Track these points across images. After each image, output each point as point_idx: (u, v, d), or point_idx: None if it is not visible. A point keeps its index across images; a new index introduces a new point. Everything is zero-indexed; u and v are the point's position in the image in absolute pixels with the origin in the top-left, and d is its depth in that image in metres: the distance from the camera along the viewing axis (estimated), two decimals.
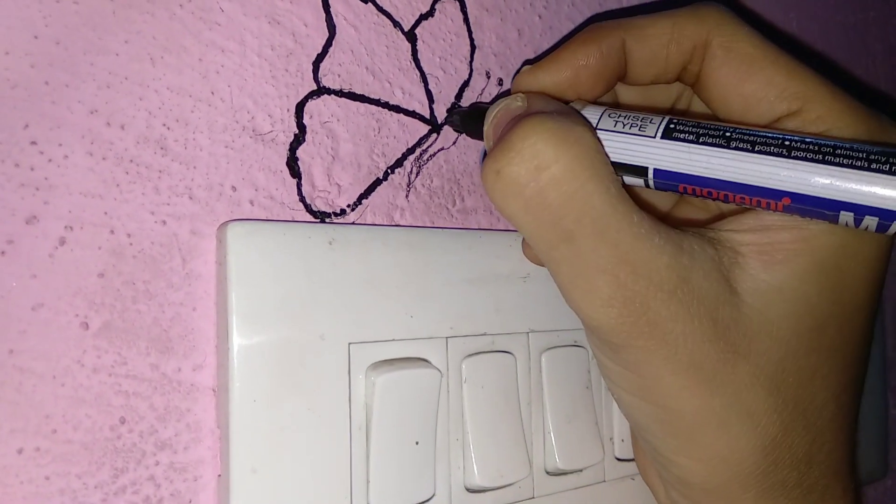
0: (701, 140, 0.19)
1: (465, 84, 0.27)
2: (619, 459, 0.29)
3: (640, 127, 0.20)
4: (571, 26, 0.31)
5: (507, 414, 0.25)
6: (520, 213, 0.19)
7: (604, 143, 0.21)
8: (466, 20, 0.27)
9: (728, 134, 0.19)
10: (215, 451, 0.21)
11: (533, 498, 0.26)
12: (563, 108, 0.21)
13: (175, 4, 0.21)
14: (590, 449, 0.27)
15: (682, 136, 0.20)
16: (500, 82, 0.28)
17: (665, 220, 0.25)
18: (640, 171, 0.20)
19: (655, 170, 0.20)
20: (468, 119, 0.26)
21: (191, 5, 0.21)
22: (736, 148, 0.19)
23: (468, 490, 0.24)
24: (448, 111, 0.27)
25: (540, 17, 0.30)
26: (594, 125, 0.21)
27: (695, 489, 0.22)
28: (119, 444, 0.19)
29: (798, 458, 0.21)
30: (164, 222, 0.21)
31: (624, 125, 0.20)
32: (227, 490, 0.20)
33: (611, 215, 0.19)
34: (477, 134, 0.26)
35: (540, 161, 0.18)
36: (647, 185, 0.21)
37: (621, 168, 0.21)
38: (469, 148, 0.27)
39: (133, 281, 0.20)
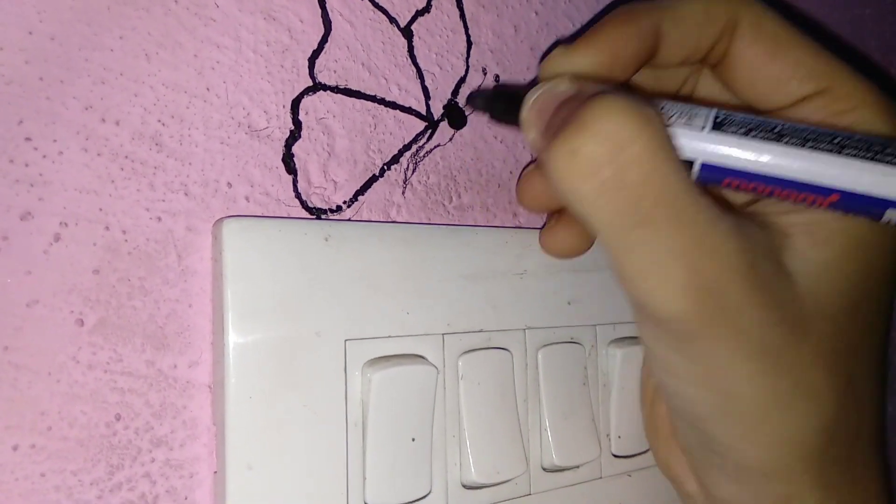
0: (752, 134, 0.19)
1: (462, 80, 0.27)
2: (615, 456, 0.29)
3: (688, 118, 0.20)
4: (568, 23, 0.31)
5: (504, 411, 0.25)
6: (593, 195, 0.18)
7: None
8: (463, 16, 0.27)
9: (777, 129, 0.19)
10: (211, 447, 0.21)
11: (529, 494, 0.26)
12: (621, 90, 0.20)
13: (170, 0, 0.21)
14: (586, 445, 0.27)
15: (732, 129, 0.19)
16: (497, 78, 0.28)
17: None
18: (686, 164, 0.20)
19: (703, 164, 0.19)
20: (493, 101, 0.25)
21: (186, 1, 0.21)
22: (787, 143, 0.19)
23: (464, 487, 0.24)
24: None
25: (536, 13, 0.30)
26: None
27: (753, 474, 0.22)
28: (115, 440, 0.19)
29: (850, 434, 0.21)
30: (160, 219, 0.21)
31: (669, 115, 0.20)
32: (223, 487, 0.20)
33: (686, 198, 0.18)
34: (505, 117, 0.24)
35: (620, 140, 0.18)
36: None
37: None
38: (465, 145, 0.27)
39: (128, 277, 0.20)
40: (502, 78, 0.28)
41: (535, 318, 0.27)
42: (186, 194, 0.21)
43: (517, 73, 0.29)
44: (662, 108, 0.20)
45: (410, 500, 0.23)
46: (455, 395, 0.24)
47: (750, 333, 0.19)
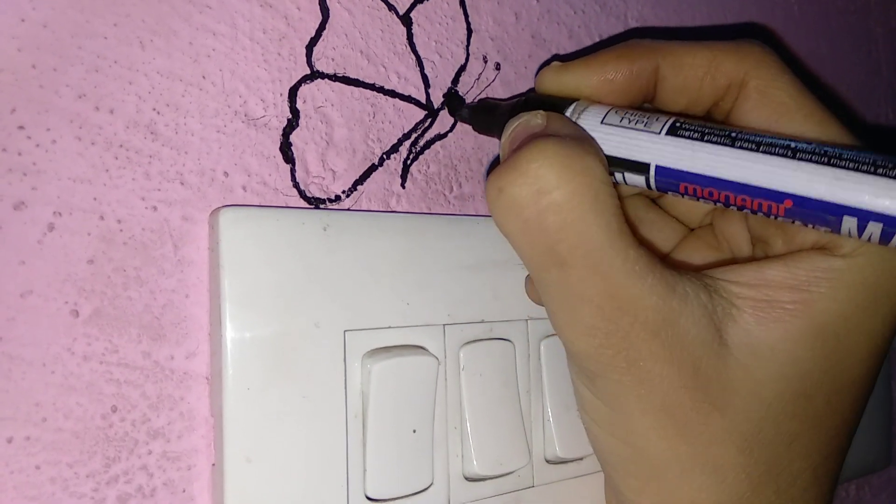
0: (705, 138, 0.19)
1: (462, 68, 0.27)
2: None
3: (646, 123, 0.20)
4: (570, 10, 0.30)
5: (506, 402, 0.25)
6: (517, 233, 0.19)
7: (608, 137, 0.20)
8: (463, 3, 0.27)
9: (733, 134, 0.19)
10: (209, 439, 0.21)
11: (532, 486, 0.26)
12: (580, 135, 0.20)
13: None
14: None
15: (686, 133, 0.19)
16: (498, 66, 0.28)
17: (666, 260, 0.25)
18: (643, 168, 0.20)
19: (657, 167, 0.20)
20: (477, 114, 0.26)
21: None
22: (740, 147, 0.18)
23: (467, 479, 0.24)
24: (445, 95, 0.26)
25: (537, 0, 0.29)
26: (600, 120, 0.21)
27: None
28: (111, 432, 0.19)
29: None
30: (155, 208, 0.20)
31: (630, 121, 0.20)
32: (221, 479, 0.20)
33: (606, 249, 0.18)
34: (486, 130, 0.26)
35: (542, 185, 0.18)
36: (648, 186, 0.20)
37: (623, 164, 0.20)
38: (466, 134, 0.27)
39: (124, 267, 0.20)
40: (503, 66, 0.28)
41: (537, 309, 0.26)
42: (182, 183, 0.21)
43: (518, 61, 0.29)
44: (625, 113, 0.21)
45: (412, 492, 0.22)
46: (456, 387, 0.24)
47: (653, 389, 0.19)
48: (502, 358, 0.25)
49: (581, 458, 0.27)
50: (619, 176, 0.21)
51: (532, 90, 0.24)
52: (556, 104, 0.22)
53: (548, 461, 0.26)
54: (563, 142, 0.19)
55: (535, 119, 0.21)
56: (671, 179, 0.20)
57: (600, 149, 0.20)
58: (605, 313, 0.19)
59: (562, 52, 0.30)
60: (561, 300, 0.19)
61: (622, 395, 0.20)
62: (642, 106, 0.24)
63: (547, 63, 0.24)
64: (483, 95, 0.27)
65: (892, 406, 0.45)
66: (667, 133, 0.20)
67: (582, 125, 0.21)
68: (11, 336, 0.18)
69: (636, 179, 0.20)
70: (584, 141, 0.20)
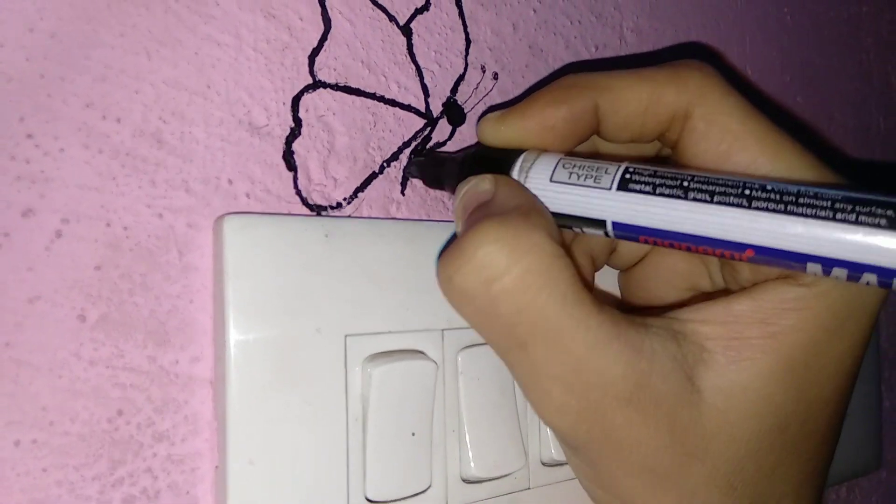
0: (657, 191, 0.18)
1: (461, 78, 0.27)
2: None
3: (595, 178, 0.19)
4: (566, 20, 0.31)
5: (503, 405, 0.25)
6: (472, 318, 0.19)
7: (559, 196, 0.20)
8: (462, 14, 0.28)
9: (686, 184, 0.18)
10: (212, 442, 0.21)
11: (529, 489, 0.26)
12: (526, 204, 0.20)
13: None
14: None
15: (637, 186, 0.19)
16: (496, 76, 0.28)
17: (641, 265, 0.25)
18: (599, 223, 0.20)
19: (614, 223, 0.19)
20: (426, 168, 0.25)
21: None
22: (694, 199, 0.18)
23: (464, 481, 0.24)
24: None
25: (535, 11, 0.30)
26: (549, 177, 0.20)
27: None
28: (116, 435, 0.19)
29: None
30: (161, 215, 0.21)
31: (579, 176, 0.20)
32: (224, 481, 0.20)
33: (564, 325, 0.18)
34: (436, 184, 0.25)
35: (490, 273, 0.18)
36: (607, 235, 0.20)
37: (579, 220, 0.20)
38: (464, 142, 0.27)
39: (130, 274, 0.20)
40: (500, 76, 0.29)
41: None
42: (187, 191, 0.21)
43: (515, 71, 0.29)
44: (573, 167, 0.20)
45: (410, 494, 0.23)
46: (455, 391, 0.25)
47: (633, 453, 0.19)
48: (499, 363, 0.25)
49: None
50: (577, 229, 0.21)
51: (478, 142, 0.23)
52: (504, 158, 0.22)
53: (544, 464, 0.27)
54: (509, 221, 0.18)
55: (483, 184, 0.20)
56: (629, 233, 0.19)
57: (549, 214, 0.20)
58: (573, 390, 0.18)
59: (558, 62, 0.31)
60: (529, 380, 0.19)
61: (603, 462, 0.20)
62: (593, 144, 0.23)
63: (485, 115, 0.23)
64: (481, 105, 0.28)
65: (882, 409, 0.45)
66: (618, 188, 0.19)
67: (531, 185, 0.21)
68: (19, 341, 0.18)
69: (595, 232, 0.20)
70: (532, 213, 0.19)
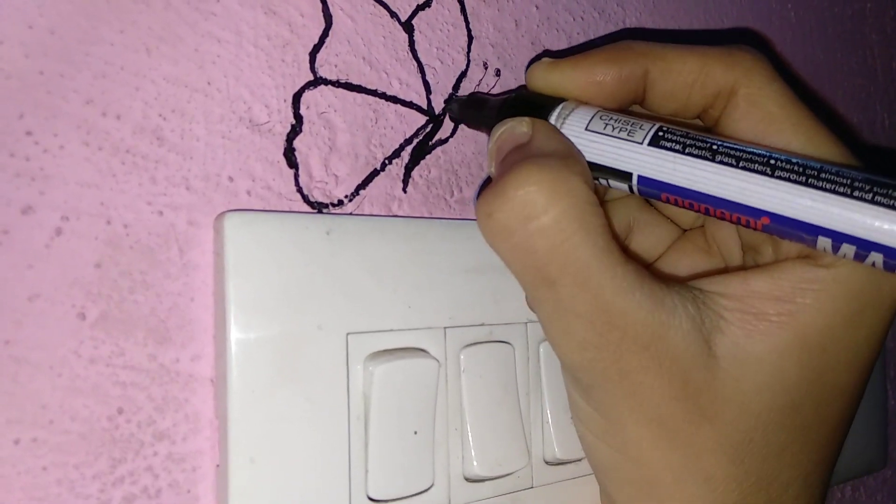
0: (687, 151, 0.19)
1: (463, 74, 0.27)
2: None
3: (629, 132, 0.20)
4: (569, 17, 0.31)
5: (506, 404, 0.25)
6: (507, 254, 0.20)
7: (591, 144, 0.20)
8: (463, 10, 0.27)
9: (715, 147, 0.19)
10: (214, 441, 0.21)
11: (532, 487, 0.26)
12: (563, 150, 0.20)
13: None
14: None
15: (668, 144, 0.19)
16: (498, 73, 0.28)
17: (658, 266, 0.25)
18: (626, 176, 0.20)
19: (639, 176, 0.20)
20: (466, 108, 0.26)
21: None
22: (720, 162, 0.19)
23: (467, 480, 0.24)
24: (446, 100, 0.27)
25: (537, 7, 0.30)
26: (585, 126, 0.21)
27: None
28: (117, 434, 0.19)
29: None
30: (161, 213, 0.20)
31: (613, 128, 0.20)
32: (225, 480, 0.20)
33: (594, 267, 0.19)
34: (475, 124, 0.26)
35: (530, 211, 0.19)
36: (631, 191, 0.21)
37: (607, 171, 0.20)
38: (467, 139, 0.27)
39: (130, 271, 0.20)
40: (503, 72, 0.28)
41: None
42: (188, 188, 0.21)
43: (518, 68, 0.29)
44: (609, 119, 0.21)
45: (413, 493, 0.23)
46: (457, 389, 0.24)
47: (645, 400, 0.19)
48: (502, 360, 0.25)
49: (579, 460, 0.27)
50: (604, 181, 0.21)
51: (522, 86, 0.24)
52: (543, 104, 0.22)
53: (547, 462, 0.26)
54: (548, 164, 0.19)
55: (520, 127, 0.21)
56: (653, 189, 0.20)
57: (584, 162, 0.20)
58: (596, 328, 0.19)
59: None
60: (553, 316, 0.20)
61: (615, 406, 0.20)
62: (631, 109, 0.24)
63: (538, 58, 0.24)
64: None
65: (888, 408, 0.45)
66: (649, 144, 0.20)
67: (566, 132, 0.21)
68: (19, 339, 0.18)
69: (620, 185, 0.21)
70: (569, 159, 0.20)
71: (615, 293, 0.19)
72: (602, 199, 0.24)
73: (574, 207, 0.19)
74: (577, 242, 0.19)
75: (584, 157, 0.21)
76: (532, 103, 0.22)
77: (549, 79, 0.22)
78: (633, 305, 0.19)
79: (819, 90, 0.43)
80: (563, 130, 0.21)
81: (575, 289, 0.19)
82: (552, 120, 0.22)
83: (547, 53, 0.30)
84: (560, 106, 0.22)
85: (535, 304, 0.20)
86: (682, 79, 0.22)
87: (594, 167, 0.21)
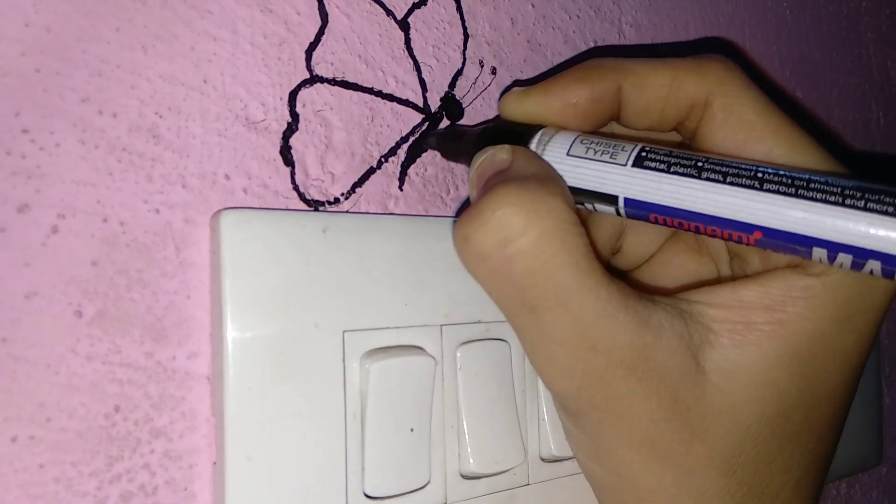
0: (672, 169, 0.19)
1: (459, 73, 0.27)
2: None
3: (612, 154, 0.20)
4: (565, 15, 0.31)
5: (502, 401, 0.25)
6: (485, 279, 0.19)
7: (575, 169, 0.20)
8: (459, 9, 0.27)
9: (700, 164, 0.19)
10: (210, 439, 0.21)
11: (528, 484, 0.26)
12: (543, 173, 0.20)
13: None
14: None
15: (652, 164, 0.19)
16: (494, 71, 0.28)
17: (652, 262, 0.25)
18: (611, 199, 0.20)
19: (626, 199, 0.20)
20: (445, 140, 0.25)
21: None
22: (707, 178, 0.18)
23: (463, 477, 0.24)
24: (423, 134, 0.26)
25: (533, 5, 0.30)
26: (566, 151, 0.20)
27: None
28: (114, 432, 0.19)
29: None
30: (158, 211, 0.21)
31: (595, 152, 0.20)
32: (222, 478, 0.20)
33: (575, 291, 0.18)
34: (454, 155, 0.26)
35: (507, 233, 0.18)
36: (618, 214, 0.20)
37: (592, 196, 0.20)
38: None
39: (126, 269, 0.20)
40: (499, 70, 0.28)
41: None
42: (184, 186, 0.21)
43: (514, 66, 0.29)
44: (590, 143, 0.20)
45: (409, 490, 0.23)
46: (453, 386, 0.24)
47: (634, 424, 0.19)
48: (498, 358, 0.25)
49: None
50: (589, 206, 0.21)
51: (498, 117, 0.23)
52: (522, 132, 0.22)
53: (543, 459, 0.27)
54: (527, 186, 0.19)
55: (500, 154, 0.21)
56: (640, 210, 0.20)
57: (565, 185, 0.20)
58: (579, 354, 0.19)
59: (557, 57, 0.30)
60: (536, 344, 0.20)
61: (604, 432, 0.20)
62: (612, 131, 0.24)
63: (508, 89, 0.23)
64: (479, 100, 0.28)
65: (882, 405, 0.45)
66: (633, 165, 0.19)
67: (548, 158, 0.21)
68: (16, 337, 0.18)
69: (607, 209, 0.20)
70: (549, 181, 0.19)
71: (598, 317, 0.18)
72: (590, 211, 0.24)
73: (555, 228, 0.18)
74: (557, 265, 0.18)
75: (564, 180, 0.20)
76: (511, 132, 0.22)
77: (524, 107, 0.22)
78: (618, 328, 0.18)
79: (814, 89, 0.43)
80: (544, 157, 0.21)
81: (556, 314, 0.18)
82: (532, 147, 0.21)
83: (546, 57, 0.30)
84: (539, 132, 0.21)
85: (516, 331, 0.20)
86: (655, 92, 0.21)
87: (579, 192, 0.20)
